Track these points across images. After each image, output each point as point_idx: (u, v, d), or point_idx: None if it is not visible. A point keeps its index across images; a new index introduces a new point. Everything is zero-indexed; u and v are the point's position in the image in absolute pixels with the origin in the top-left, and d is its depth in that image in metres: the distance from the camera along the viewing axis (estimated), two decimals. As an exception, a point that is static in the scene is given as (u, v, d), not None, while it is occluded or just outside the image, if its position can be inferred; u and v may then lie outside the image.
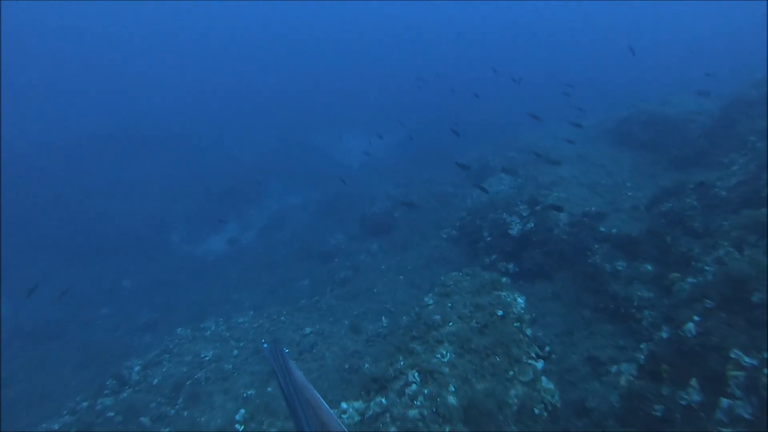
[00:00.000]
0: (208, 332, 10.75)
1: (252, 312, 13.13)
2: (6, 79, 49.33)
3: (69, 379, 14.93)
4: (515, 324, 6.12)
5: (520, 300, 6.68)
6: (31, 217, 27.05)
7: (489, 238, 12.90)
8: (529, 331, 6.17)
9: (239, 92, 47.90)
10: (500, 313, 6.30)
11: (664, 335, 6.01)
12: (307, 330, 10.39)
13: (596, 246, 9.82)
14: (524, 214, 12.31)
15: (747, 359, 4.81)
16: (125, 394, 9.42)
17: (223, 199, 29.00)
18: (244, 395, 8.61)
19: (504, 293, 6.82)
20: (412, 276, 14.00)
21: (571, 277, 10.00)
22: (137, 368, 9.65)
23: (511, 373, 5.40)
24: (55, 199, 27.69)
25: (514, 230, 12.04)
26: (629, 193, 11.45)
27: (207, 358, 9.39)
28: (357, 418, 5.19)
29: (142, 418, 8.66)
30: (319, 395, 2.25)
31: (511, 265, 11.80)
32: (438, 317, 6.47)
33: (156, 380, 9.33)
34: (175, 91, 51.24)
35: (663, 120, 15.58)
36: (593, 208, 10.84)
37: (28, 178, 30.97)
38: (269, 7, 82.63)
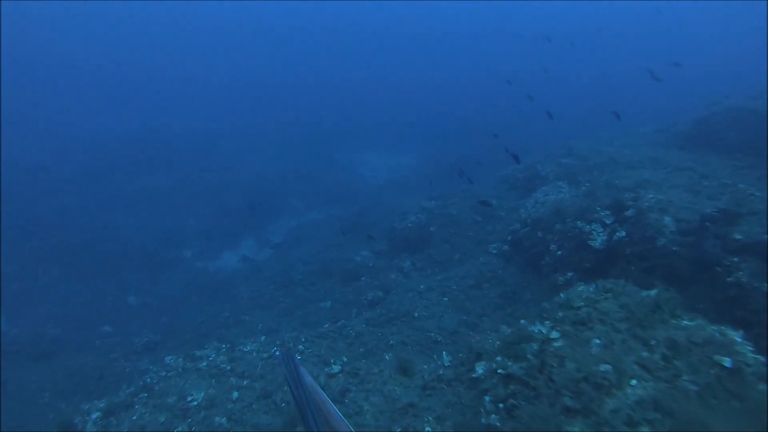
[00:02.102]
0: (204, 363, 8.03)
1: (264, 337, 10.37)
2: (18, 84, 48.22)
3: (46, 410, 12.27)
4: (761, 386, 3.24)
5: (738, 339, 3.79)
6: (35, 228, 24.92)
7: (559, 253, 10.06)
8: None
9: (260, 105, 46.15)
10: (727, 363, 3.43)
11: None
12: (335, 367, 7.53)
13: (735, 259, 6.97)
14: (608, 222, 9.50)
15: None
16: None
17: (239, 215, 26.60)
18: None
19: (694, 323, 3.98)
20: (460, 298, 11.17)
21: (701, 300, 7.11)
22: (96, 415, 6.90)
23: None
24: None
25: (597, 242, 9.21)
26: (756, 193, 8.58)
27: (195, 403, 6.64)
28: None
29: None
30: (328, 399, 2.12)
31: (592, 288, 8.95)
32: (607, 368, 3.64)
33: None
34: (194, 102, 49.73)
35: (758, 117, 12.72)
36: (712, 211, 7.99)
37: (35, 187, 29.08)
38: (294, 19, 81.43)
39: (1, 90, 43.50)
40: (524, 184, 16.81)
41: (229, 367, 7.77)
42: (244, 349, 8.74)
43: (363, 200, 25.75)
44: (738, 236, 7.20)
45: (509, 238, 13.23)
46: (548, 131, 26.51)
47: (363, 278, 15.95)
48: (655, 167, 12.42)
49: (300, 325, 14.19)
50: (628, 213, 9.16)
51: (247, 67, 66.60)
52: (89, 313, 19.60)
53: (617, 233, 8.94)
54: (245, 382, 7.19)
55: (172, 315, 18.70)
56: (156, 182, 30.19)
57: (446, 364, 6.73)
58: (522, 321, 6.26)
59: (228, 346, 9.26)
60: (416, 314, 10.41)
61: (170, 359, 8.42)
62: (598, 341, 4.07)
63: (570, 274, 9.38)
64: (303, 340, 9.61)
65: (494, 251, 12.98)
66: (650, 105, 29.96)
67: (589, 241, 9.35)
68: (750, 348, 3.61)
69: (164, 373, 7.92)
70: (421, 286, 12.25)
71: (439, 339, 9.48)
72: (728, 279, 6.80)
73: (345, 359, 9.12)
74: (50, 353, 16.82)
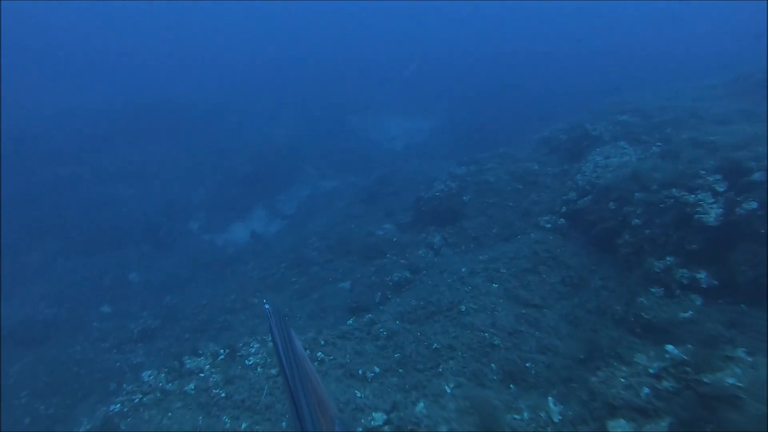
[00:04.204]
0: (192, 385, 5.92)
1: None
2: (20, 50, 45.52)
3: (21, 414, 10.38)
4: None
5: None
6: (32, 199, 22.89)
7: (648, 231, 7.67)
8: None
9: (271, 67, 43.14)
10: None
11: None
12: (378, 416, 5.23)
13: None
14: (720, 189, 7.07)
15: None
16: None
17: (248, 183, 24.35)
18: None
19: None
20: (512, 285, 8.87)
21: None
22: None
23: None
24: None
25: (711, 216, 6.80)
26: None
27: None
28: None
29: None
30: (317, 373, 1.98)
31: (702, 275, 6.61)
32: None
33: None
34: (203, 67, 46.83)
35: None
36: None
37: (33, 155, 26.94)
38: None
39: (2, 56, 41.03)
40: (570, 147, 14.24)
41: (224, 394, 5.64)
42: (247, 361, 6.56)
43: (381, 167, 23.31)
44: None
45: (563, 209, 10.82)
46: (586, 92, 23.63)
47: (387, 255, 13.71)
48: (751, 121, 9.85)
49: (317, 311, 12.08)
50: (755, 177, 6.71)
51: (259, 30, 63.01)
52: (87, 292, 17.72)
53: (744, 205, 6.50)
54: (244, 425, 5.03)
55: (175, 294, 16.75)
56: (160, 150, 27.93)
57: (556, 419, 4.46)
58: (668, 346, 3.93)
59: (227, 351, 7.09)
60: (463, 307, 8.14)
61: (148, 376, 6.27)
62: None
63: (670, 258, 7.00)
64: (322, 343, 7.42)
65: (548, 226, 10.58)
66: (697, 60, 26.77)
67: (696, 215, 6.93)
68: None
69: (138, 398, 5.81)
70: (463, 269, 9.95)
71: (496, 342, 7.24)
72: None
73: (377, 369, 6.95)
74: (42, 338, 14.99)
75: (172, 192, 24.30)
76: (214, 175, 25.21)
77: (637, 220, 7.92)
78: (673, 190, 7.61)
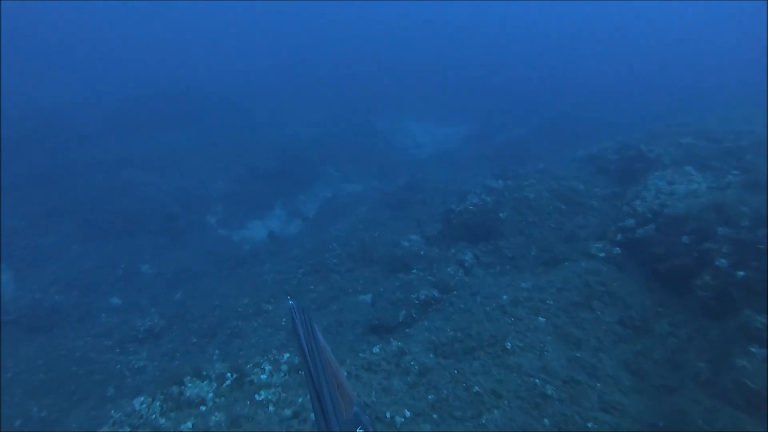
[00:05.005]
0: (190, 423, 4.88)
1: (287, 355, 7.18)
2: (45, 32, 45.33)
3: (13, 413, 9.48)
4: None
5: None
6: (50, 180, 22.31)
7: (741, 274, 6.44)
8: None
9: (298, 67, 42.31)
10: None
11: None
12: None
13: None
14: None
15: None
16: None
17: (269, 180, 23.44)
18: None
19: None
20: (563, 321, 7.68)
21: None
22: None
23: None
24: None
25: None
26: None
27: None
28: None
29: None
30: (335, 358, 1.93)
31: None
32: None
33: None
34: (231, 59, 46.19)
35: None
36: None
37: (56, 135, 26.47)
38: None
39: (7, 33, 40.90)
40: (621, 168, 13.01)
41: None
42: (257, 396, 5.50)
43: (407, 174, 22.22)
44: None
45: (618, 237, 9.60)
46: (634, 111, 22.23)
47: (413, 270, 12.59)
48: None
49: (334, 325, 11.02)
50: None
51: (288, 24, 62.33)
52: (98, 280, 16.92)
53: None
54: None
55: (187, 291, 15.85)
56: (181, 140, 27.22)
57: None
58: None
59: (234, 376, 6.05)
60: (509, 344, 6.99)
61: (140, 404, 5.23)
62: None
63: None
64: (345, 374, 6.35)
65: (601, 254, 9.36)
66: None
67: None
68: None
69: (126, 433, 4.80)
70: (504, 296, 8.78)
71: (549, 391, 6.08)
72: None
73: (408, 414, 5.84)
74: (48, 325, 14.20)
75: (190, 182, 23.49)
76: (235, 168, 24.38)
77: (723, 261, 6.69)
78: (773, 228, 6.37)
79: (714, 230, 7.22)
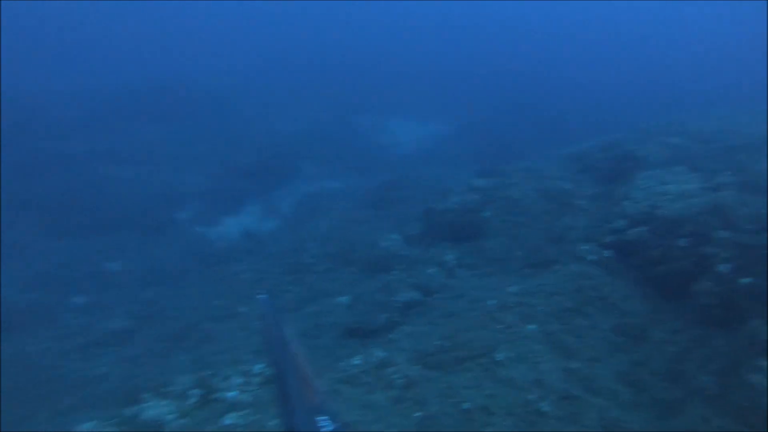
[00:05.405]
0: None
1: (258, 366, 6.54)
2: (17, 28, 43.23)
3: (-45, 428, 8.62)
4: None
5: None
6: (19, 173, 21.06)
7: (746, 281, 6.04)
8: None
9: (279, 64, 41.30)
10: None
11: None
12: None
13: None
14: None
15: None
16: None
17: (246, 176, 22.59)
18: None
19: None
20: (555, 329, 7.22)
21: None
22: None
23: None
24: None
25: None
26: None
27: None
28: None
29: None
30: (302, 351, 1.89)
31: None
32: None
33: None
34: (217, 53, 44.87)
35: None
36: None
37: (29, 129, 25.12)
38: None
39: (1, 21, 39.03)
40: (608, 167, 12.67)
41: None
42: (225, 419, 4.87)
43: (388, 171, 21.67)
44: None
45: (608, 239, 9.20)
46: (618, 109, 22.09)
47: (393, 271, 12.03)
48: None
49: (311, 328, 10.36)
50: None
51: (275, 21, 61.04)
52: (63, 278, 15.93)
53: None
54: None
55: (157, 290, 15.00)
56: (157, 134, 26.18)
57: None
58: None
59: (201, 393, 5.39)
60: (500, 356, 6.47)
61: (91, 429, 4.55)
62: None
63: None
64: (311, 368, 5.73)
65: (591, 257, 8.94)
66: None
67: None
68: None
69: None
70: (490, 302, 8.28)
71: (544, 408, 5.58)
72: None
73: (393, 436, 5.28)
74: (3, 327, 13.21)
75: (164, 177, 22.52)
76: (212, 164, 23.51)
77: (725, 266, 6.29)
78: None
79: (713, 233, 6.85)
